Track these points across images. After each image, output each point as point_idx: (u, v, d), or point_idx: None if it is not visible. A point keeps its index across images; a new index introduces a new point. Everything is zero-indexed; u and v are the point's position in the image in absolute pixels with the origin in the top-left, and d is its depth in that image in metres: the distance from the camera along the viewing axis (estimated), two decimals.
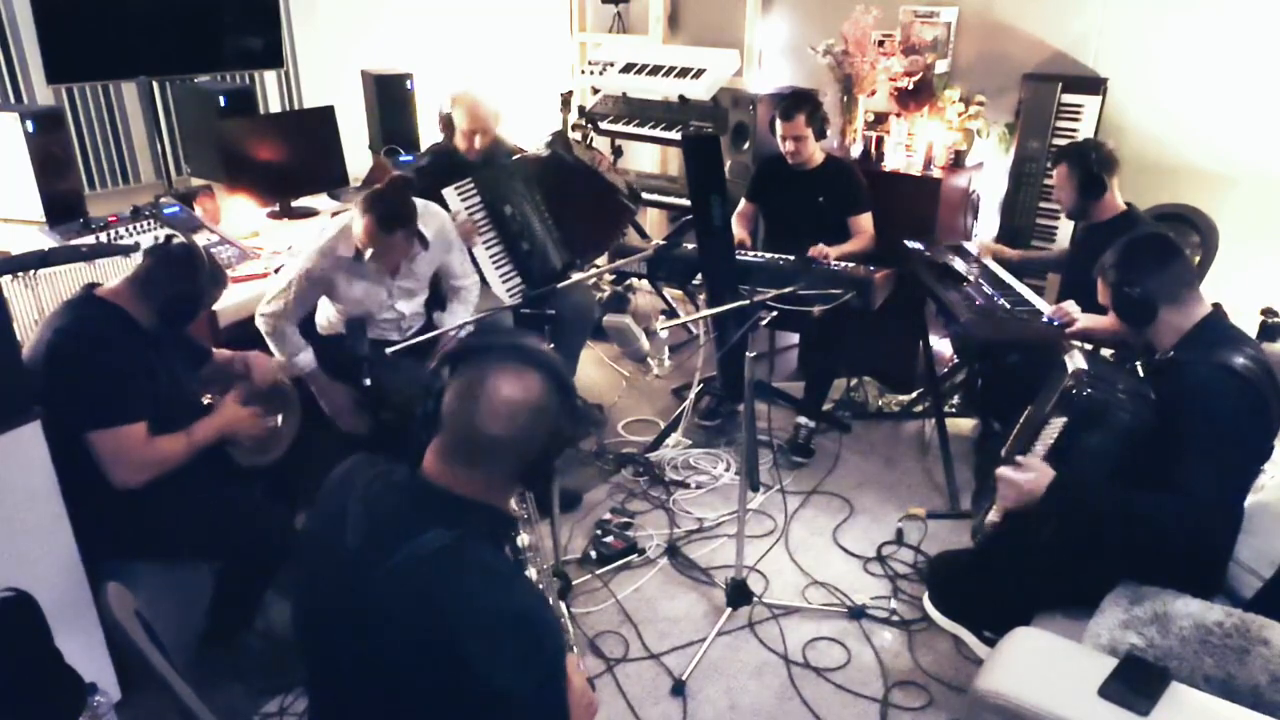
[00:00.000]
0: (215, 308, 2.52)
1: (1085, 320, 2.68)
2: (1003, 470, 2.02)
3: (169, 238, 2.19)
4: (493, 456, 1.25)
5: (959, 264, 3.18)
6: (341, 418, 2.74)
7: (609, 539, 2.86)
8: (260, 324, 2.63)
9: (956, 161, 3.68)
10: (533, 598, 1.28)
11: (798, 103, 3.39)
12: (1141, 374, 2.09)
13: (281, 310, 2.61)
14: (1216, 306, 2.03)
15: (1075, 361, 2.05)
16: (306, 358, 2.68)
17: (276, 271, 2.92)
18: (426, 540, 1.19)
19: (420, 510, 1.24)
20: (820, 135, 3.44)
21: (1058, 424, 2.01)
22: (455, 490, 1.25)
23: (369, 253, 2.52)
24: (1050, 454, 2.02)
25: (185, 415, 2.20)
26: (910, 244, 3.40)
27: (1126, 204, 2.96)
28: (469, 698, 1.16)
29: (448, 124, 3.28)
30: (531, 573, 1.47)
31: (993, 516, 2.14)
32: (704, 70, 4.19)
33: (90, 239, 2.71)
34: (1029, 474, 1.96)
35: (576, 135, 4.52)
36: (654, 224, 5.06)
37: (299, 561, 1.35)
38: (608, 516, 2.99)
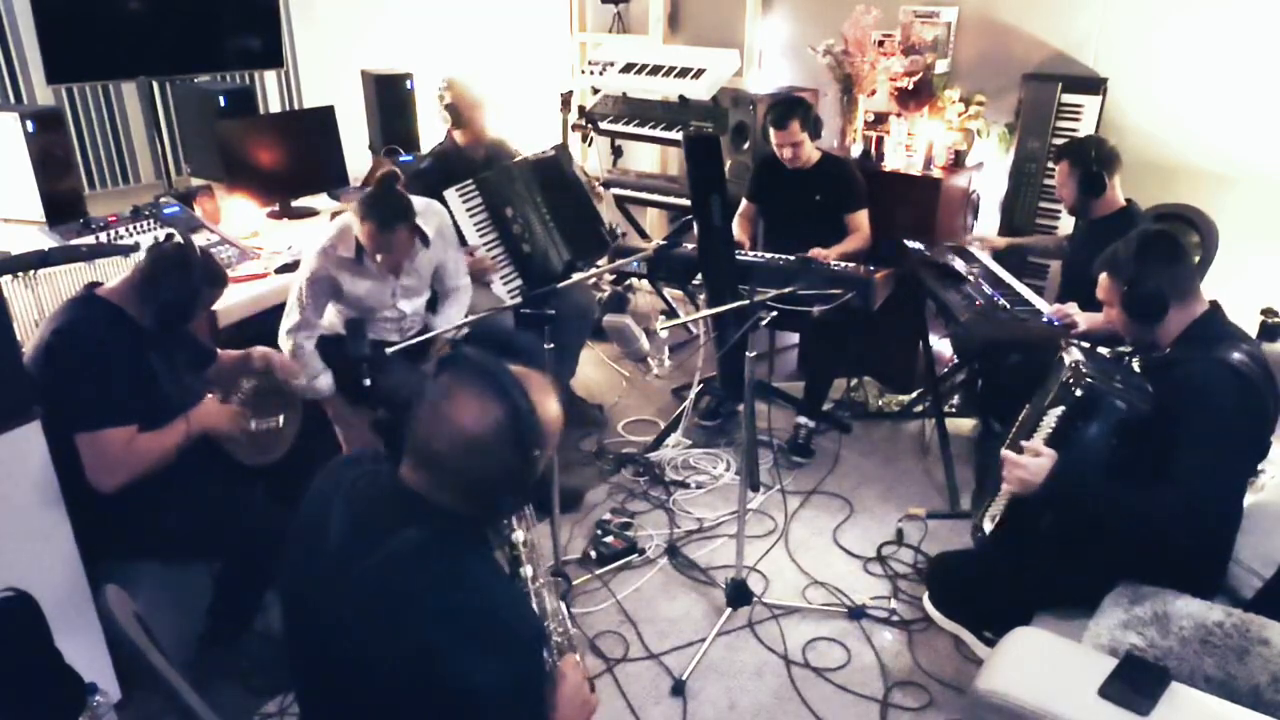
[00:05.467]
0: (215, 308, 2.50)
1: (1086, 323, 2.68)
2: (1007, 453, 2.04)
3: (167, 237, 2.16)
4: (432, 468, 1.24)
5: (959, 264, 3.18)
6: (354, 446, 2.74)
7: (609, 539, 2.86)
8: (283, 345, 2.62)
9: (956, 161, 3.68)
10: (507, 596, 1.28)
11: (789, 110, 3.37)
12: (1138, 370, 2.10)
13: (300, 322, 2.61)
14: (1214, 304, 2.03)
15: (1072, 354, 2.07)
16: (326, 381, 2.68)
17: (277, 271, 2.93)
18: (399, 541, 1.20)
19: (396, 512, 1.25)
20: (815, 135, 3.43)
21: (1055, 413, 2.02)
22: (422, 493, 1.25)
23: (378, 256, 2.53)
24: (1048, 443, 2.03)
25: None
26: (910, 244, 3.40)
27: (1127, 199, 2.95)
28: (441, 695, 1.17)
29: (453, 111, 3.24)
30: (528, 570, 1.46)
31: (994, 510, 2.15)
32: (704, 70, 4.19)
33: (90, 239, 2.71)
34: (1033, 457, 1.97)
35: (576, 137, 4.52)
36: (654, 224, 5.05)
37: (286, 556, 1.35)
38: (608, 516, 2.99)
